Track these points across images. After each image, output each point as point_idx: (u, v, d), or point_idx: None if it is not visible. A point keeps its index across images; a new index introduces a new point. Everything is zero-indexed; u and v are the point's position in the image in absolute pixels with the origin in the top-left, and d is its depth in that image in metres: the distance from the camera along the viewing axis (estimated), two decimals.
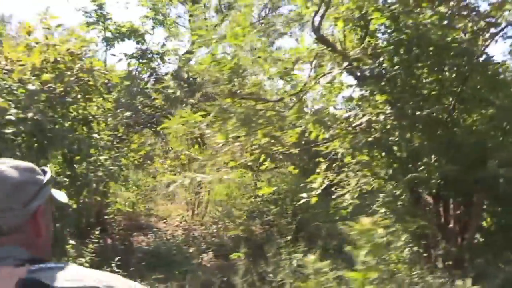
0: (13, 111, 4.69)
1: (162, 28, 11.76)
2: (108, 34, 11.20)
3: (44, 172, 1.17)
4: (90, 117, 6.87)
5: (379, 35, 5.83)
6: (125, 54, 11.05)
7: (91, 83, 5.77)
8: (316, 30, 4.76)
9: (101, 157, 7.46)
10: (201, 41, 4.46)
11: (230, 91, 4.74)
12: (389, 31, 5.57)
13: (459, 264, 5.14)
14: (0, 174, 1.07)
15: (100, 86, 6.08)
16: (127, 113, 8.05)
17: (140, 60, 11.01)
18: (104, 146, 7.43)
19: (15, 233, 1.06)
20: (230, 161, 4.97)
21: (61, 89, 5.43)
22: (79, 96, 5.97)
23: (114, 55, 11.19)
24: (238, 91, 4.81)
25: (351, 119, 5.32)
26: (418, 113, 4.64)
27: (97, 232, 7.38)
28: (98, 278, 1.00)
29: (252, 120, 4.30)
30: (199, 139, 10.41)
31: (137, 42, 11.28)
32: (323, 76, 4.89)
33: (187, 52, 12.10)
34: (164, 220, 11.19)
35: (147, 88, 10.62)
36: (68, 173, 5.97)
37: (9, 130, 4.71)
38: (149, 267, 7.95)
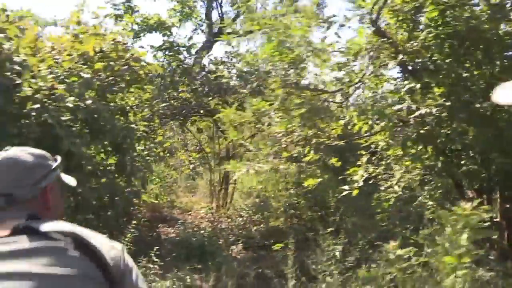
0: (71, 98, 4.73)
1: (190, 21, 11.77)
2: (135, 27, 11.22)
3: (55, 160, 1.48)
4: (128, 107, 6.91)
5: (421, 26, 5.80)
6: (152, 46, 11.06)
7: (141, 72, 5.81)
8: (374, 22, 4.76)
9: (137, 147, 7.51)
10: (264, 30, 4.49)
11: (288, 82, 4.76)
12: (433, 24, 5.55)
13: (507, 258, 5.15)
14: (17, 159, 1.37)
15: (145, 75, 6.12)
16: (163, 104, 8.09)
17: (167, 53, 11.00)
18: (141, 136, 7.48)
19: (27, 203, 1.33)
20: (283, 152, 5.01)
21: (111, 78, 5.46)
22: (124, 85, 6.01)
23: (142, 47, 11.20)
24: (295, 82, 4.83)
25: (399, 112, 5.31)
26: (477, 105, 4.64)
27: (134, 222, 7.45)
28: (77, 228, 1.23)
29: (316, 111, 4.32)
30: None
31: (163, 35, 11.28)
32: (379, 67, 4.90)
33: (206, 45, 12.10)
34: (189, 212, 11.22)
35: (175, 80, 10.61)
36: (115, 162, 6.00)
37: (66, 118, 4.75)
38: (180, 258, 7.96)
